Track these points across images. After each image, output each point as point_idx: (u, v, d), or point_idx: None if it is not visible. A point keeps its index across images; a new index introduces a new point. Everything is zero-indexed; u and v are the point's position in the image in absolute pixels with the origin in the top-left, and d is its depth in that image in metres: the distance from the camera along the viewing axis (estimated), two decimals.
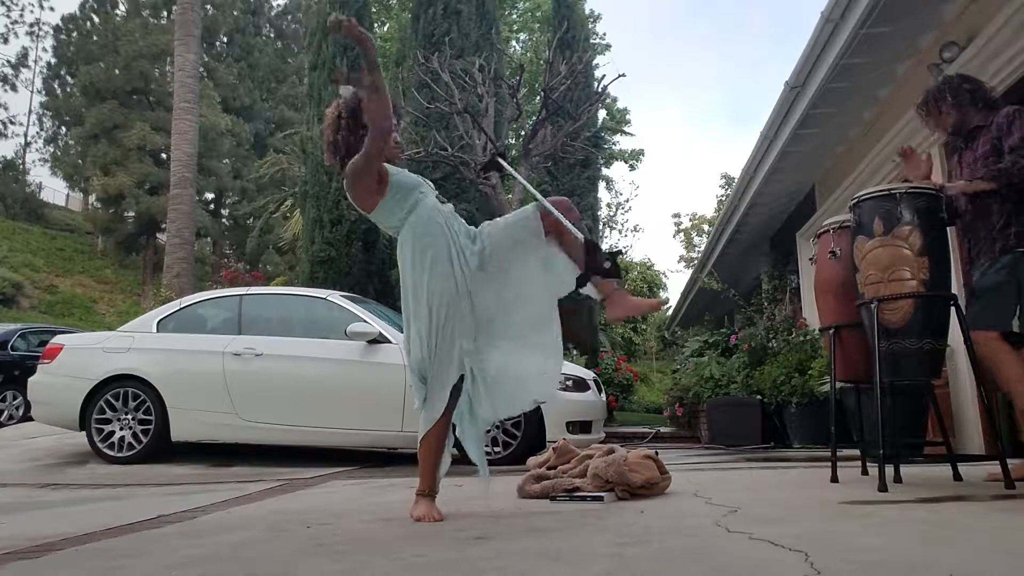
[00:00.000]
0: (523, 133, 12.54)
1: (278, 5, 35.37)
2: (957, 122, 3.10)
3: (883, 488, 2.72)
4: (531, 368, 2.59)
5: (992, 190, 2.87)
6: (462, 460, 5.57)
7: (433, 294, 2.46)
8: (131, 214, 27.54)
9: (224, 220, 32.44)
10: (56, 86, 33.45)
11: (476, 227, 2.66)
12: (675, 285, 40.11)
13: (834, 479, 3.11)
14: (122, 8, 31.75)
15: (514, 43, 22.11)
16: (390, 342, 5.25)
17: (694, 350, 9.18)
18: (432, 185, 2.73)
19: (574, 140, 10.11)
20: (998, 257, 2.89)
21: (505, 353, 2.56)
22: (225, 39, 32.69)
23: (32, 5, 44.36)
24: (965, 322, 2.89)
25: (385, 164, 2.55)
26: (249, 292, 6.18)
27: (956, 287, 3.13)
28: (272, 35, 35.20)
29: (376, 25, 13.62)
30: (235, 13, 32.30)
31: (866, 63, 5.13)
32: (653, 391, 18.34)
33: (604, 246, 25.30)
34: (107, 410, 5.40)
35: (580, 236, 2.53)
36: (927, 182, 2.99)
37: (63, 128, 33.54)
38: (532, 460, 3.33)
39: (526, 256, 2.59)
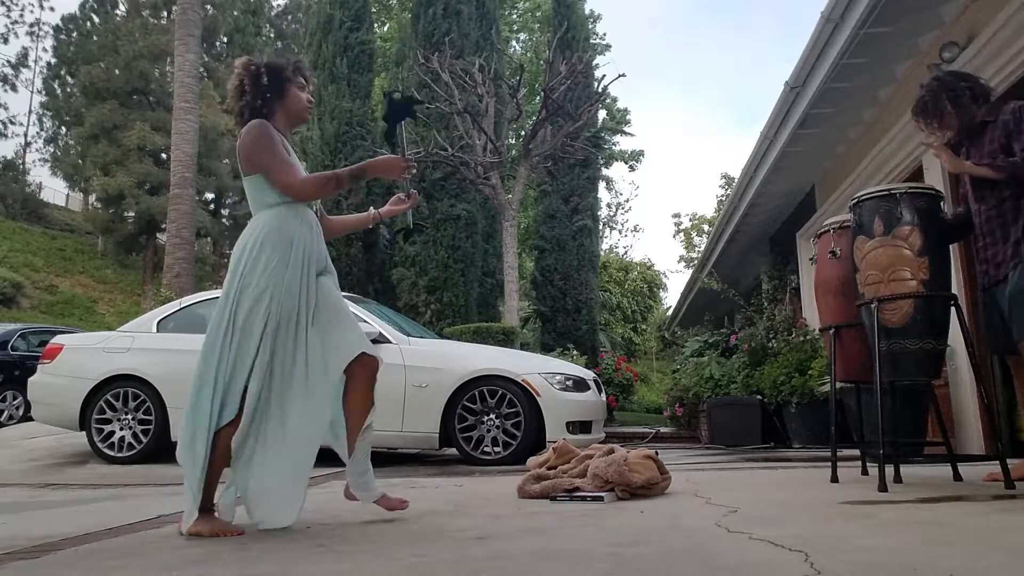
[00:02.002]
0: (523, 133, 12.54)
1: (278, 5, 35.39)
2: (963, 124, 3.02)
3: (883, 488, 2.72)
4: (279, 476, 2.32)
5: (1012, 191, 2.84)
6: (463, 460, 5.56)
7: (273, 292, 2.29)
8: (131, 214, 27.53)
9: (224, 220, 32.44)
10: (56, 86, 33.43)
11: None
12: (675, 285, 40.19)
13: (834, 479, 3.11)
14: (122, 8, 31.74)
15: (514, 43, 22.12)
16: (390, 342, 5.25)
17: (694, 350, 9.18)
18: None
19: (574, 140, 10.12)
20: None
21: (285, 426, 2.31)
22: (225, 39, 32.69)
23: (32, 5, 44.33)
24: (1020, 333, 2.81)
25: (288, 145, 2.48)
26: None
27: (956, 287, 3.12)
28: (272, 35, 35.19)
29: (376, 25, 13.60)
30: (235, 13, 32.29)
31: (866, 63, 5.13)
32: (653, 391, 18.36)
33: (605, 244, 24.97)
34: (107, 410, 5.40)
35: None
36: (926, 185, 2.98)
37: (63, 128, 33.53)
38: (532, 460, 3.33)
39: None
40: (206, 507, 2.29)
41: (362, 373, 2.41)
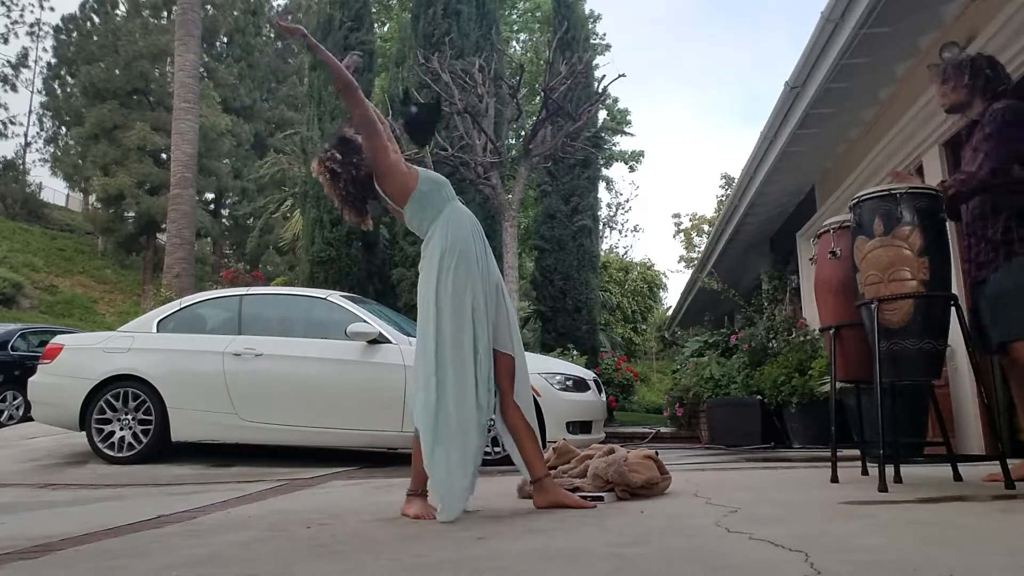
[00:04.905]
0: (523, 133, 12.53)
1: (278, 5, 35.38)
2: (961, 103, 3.03)
3: (883, 488, 2.72)
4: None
5: (990, 193, 2.87)
6: None
7: (464, 293, 2.56)
8: (131, 214, 27.54)
9: (224, 220, 32.45)
10: (56, 86, 33.48)
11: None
12: (675, 285, 40.18)
13: (834, 479, 3.11)
14: (122, 8, 31.75)
15: (514, 43, 22.09)
16: (390, 342, 5.25)
17: (694, 350, 9.18)
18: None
19: (574, 140, 10.10)
20: (1009, 260, 2.83)
21: None
22: (225, 39, 32.70)
23: (32, 5, 44.40)
24: (1009, 330, 2.81)
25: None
26: (249, 292, 6.18)
27: (956, 287, 3.12)
28: (272, 35, 35.18)
29: (376, 25, 13.61)
30: (235, 13, 32.30)
31: (866, 63, 5.13)
32: (653, 391, 18.37)
33: (605, 244, 24.99)
34: (107, 410, 5.40)
35: None
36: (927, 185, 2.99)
37: (63, 128, 33.57)
38: None
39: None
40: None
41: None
